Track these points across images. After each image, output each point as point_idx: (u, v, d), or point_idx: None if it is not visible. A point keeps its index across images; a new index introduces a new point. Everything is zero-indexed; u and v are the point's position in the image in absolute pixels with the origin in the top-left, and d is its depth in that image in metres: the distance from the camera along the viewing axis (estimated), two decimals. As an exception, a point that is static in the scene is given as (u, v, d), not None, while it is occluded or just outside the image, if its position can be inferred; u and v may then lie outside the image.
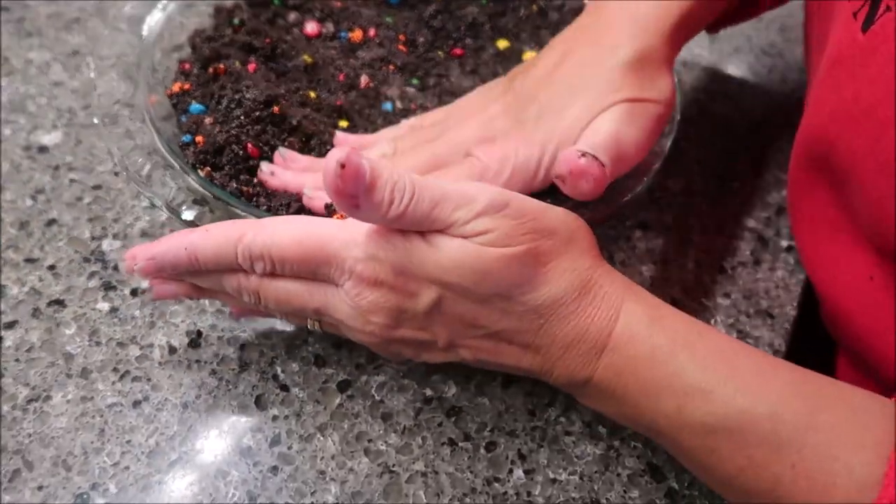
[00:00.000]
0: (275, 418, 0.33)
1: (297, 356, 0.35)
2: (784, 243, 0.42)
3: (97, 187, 0.42)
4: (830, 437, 0.25)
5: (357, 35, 0.44)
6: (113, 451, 0.32)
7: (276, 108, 0.37)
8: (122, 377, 0.34)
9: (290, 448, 0.32)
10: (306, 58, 0.41)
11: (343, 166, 0.24)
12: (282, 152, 0.36)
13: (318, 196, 0.34)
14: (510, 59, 0.45)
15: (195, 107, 0.38)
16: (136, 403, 0.33)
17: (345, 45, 0.44)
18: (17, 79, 0.47)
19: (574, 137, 0.33)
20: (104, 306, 0.37)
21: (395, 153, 0.36)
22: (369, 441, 0.33)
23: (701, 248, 0.41)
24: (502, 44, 0.45)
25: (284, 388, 0.34)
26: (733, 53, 0.53)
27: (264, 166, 0.36)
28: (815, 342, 0.39)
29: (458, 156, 0.35)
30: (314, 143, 0.38)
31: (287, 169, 0.36)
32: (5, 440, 0.32)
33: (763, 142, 0.47)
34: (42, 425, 0.32)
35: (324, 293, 0.29)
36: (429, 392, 0.34)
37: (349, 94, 0.41)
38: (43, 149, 0.43)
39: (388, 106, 0.41)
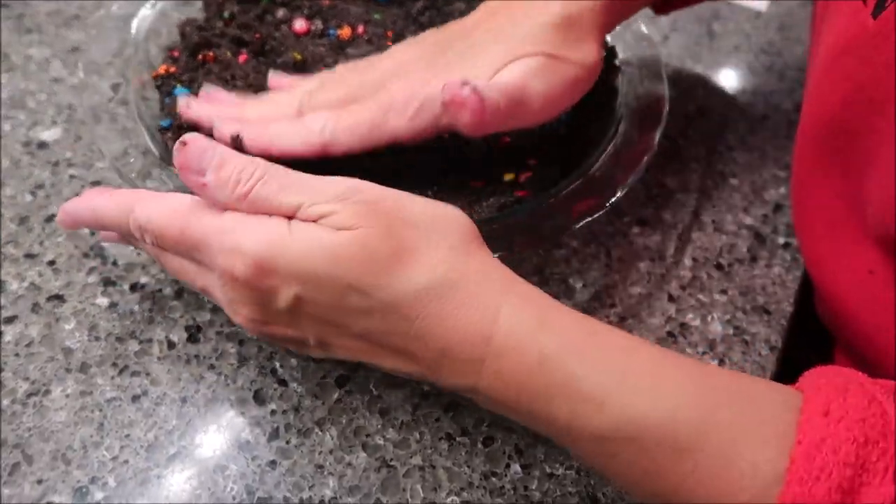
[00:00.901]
0: (273, 413, 0.33)
1: (296, 352, 0.35)
2: (781, 240, 0.42)
3: (97, 183, 0.42)
4: (731, 436, 0.24)
5: (346, 32, 0.44)
6: (112, 445, 0.32)
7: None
8: (121, 372, 0.34)
9: (288, 442, 0.33)
10: (296, 55, 0.41)
11: (185, 143, 0.27)
12: (206, 88, 0.36)
13: (226, 126, 0.34)
14: None
15: (179, 90, 0.38)
16: (135, 398, 0.34)
17: (333, 43, 0.44)
18: (17, 75, 0.47)
19: (485, 78, 0.33)
20: (103, 301, 0.37)
21: (318, 89, 0.36)
22: (367, 436, 0.33)
23: (698, 244, 0.41)
24: None
25: (283, 382, 0.34)
26: (732, 51, 0.54)
27: (181, 99, 0.35)
28: (811, 338, 0.39)
29: (371, 91, 0.34)
30: None
31: (206, 103, 0.36)
32: (5, 434, 0.32)
33: (761, 139, 0.47)
34: (42, 419, 0.33)
35: (202, 276, 0.29)
36: (426, 387, 0.34)
37: None
38: (42, 144, 0.43)
39: None
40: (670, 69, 0.52)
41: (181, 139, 0.27)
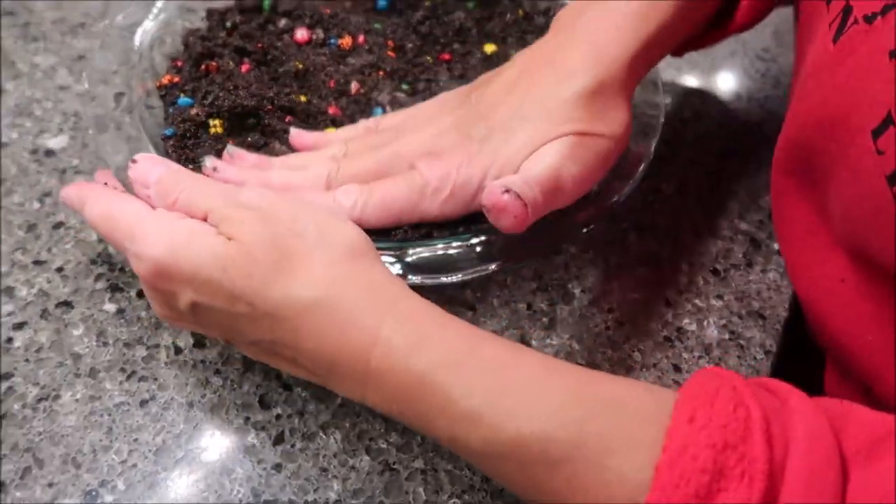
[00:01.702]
0: (278, 417, 0.34)
1: (300, 356, 0.36)
2: (776, 246, 0.43)
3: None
4: (601, 446, 0.24)
5: (346, 42, 0.44)
6: (121, 448, 0.33)
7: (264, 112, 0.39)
8: (129, 377, 0.35)
9: (293, 446, 0.33)
10: (297, 64, 0.42)
11: (135, 161, 0.32)
12: (230, 150, 0.37)
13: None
14: (498, 64, 0.45)
15: (183, 100, 0.39)
16: (143, 403, 0.34)
17: (334, 52, 0.44)
18: (24, 83, 0.48)
19: (516, 164, 0.33)
20: (111, 308, 0.37)
21: (345, 156, 0.36)
22: (370, 439, 0.34)
23: (694, 250, 0.42)
24: (489, 48, 0.46)
25: (287, 387, 0.35)
26: (728, 57, 0.54)
27: (207, 161, 0.36)
28: (806, 342, 0.40)
29: (402, 166, 0.35)
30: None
31: (231, 165, 0.36)
32: (16, 438, 0.33)
33: (756, 145, 0.48)
34: (52, 424, 0.33)
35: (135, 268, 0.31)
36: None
37: (339, 100, 0.42)
38: (49, 152, 0.44)
39: (378, 111, 0.42)
40: (667, 75, 0.52)
41: (133, 157, 0.32)
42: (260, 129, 0.39)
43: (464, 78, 0.45)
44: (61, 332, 0.36)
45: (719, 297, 0.40)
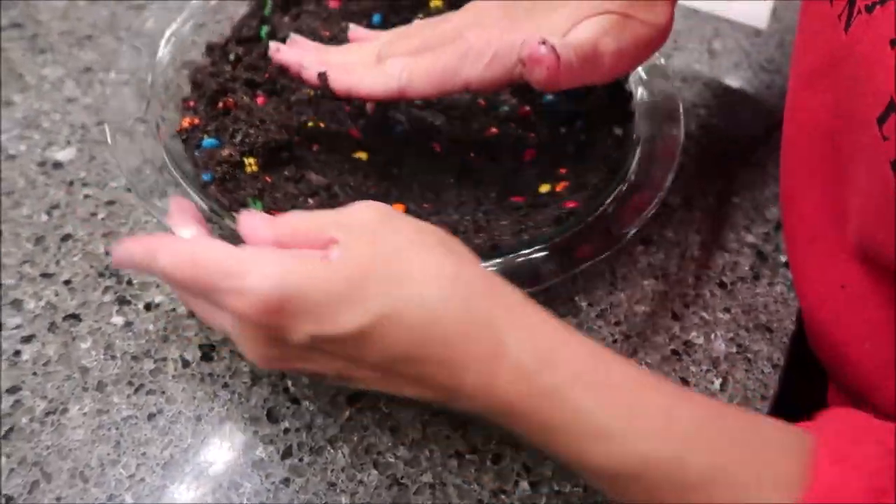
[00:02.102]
0: (286, 431, 0.34)
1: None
2: (783, 259, 0.43)
3: (111, 202, 0.42)
4: (739, 478, 0.24)
5: None
6: (129, 463, 0.33)
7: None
8: (136, 390, 0.35)
9: (301, 460, 0.33)
10: (309, 91, 0.42)
11: (241, 215, 0.30)
12: (293, 37, 0.39)
13: (313, 66, 0.37)
14: None
15: (208, 141, 0.38)
16: (151, 416, 0.34)
17: None
18: (32, 95, 0.48)
19: (560, 33, 0.35)
20: (118, 320, 0.38)
21: (397, 38, 0.38)
22: (378, 453, 0.34)
23: (701, 263, 0.42)
24: None
25: (295, 401, 0.35)
26: (732, 69, 0.54)
27: (272, 44, 0.39)
28: (813, 356, 0.40)
29: (449, 40, 0.36)
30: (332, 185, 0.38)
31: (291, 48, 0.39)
32: (24, 452, 0.33)
33: (762, 157, 0.48)
34: (60, 437, 0.33)
35: (219, 317, 0.29)
36: (435, 405, 0.35)
37: (358, 121, 0.42)
38: (57, 164, 0.44)
39: (399, 129, 0.42)
40: (672, 86, 0.53)
41: (242, 213, 0.30)
42: (293, 161, 0.39)
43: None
44: (69, 346, 0.36)
45: (726, 310, 0.40)
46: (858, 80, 0.29)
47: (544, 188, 0.39)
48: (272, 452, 0.33)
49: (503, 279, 0.28)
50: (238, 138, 0.38)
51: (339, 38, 0.45)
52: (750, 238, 0.44)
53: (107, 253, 0.40)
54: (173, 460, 0.33)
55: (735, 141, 0.49)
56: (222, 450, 0.33)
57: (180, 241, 0.30)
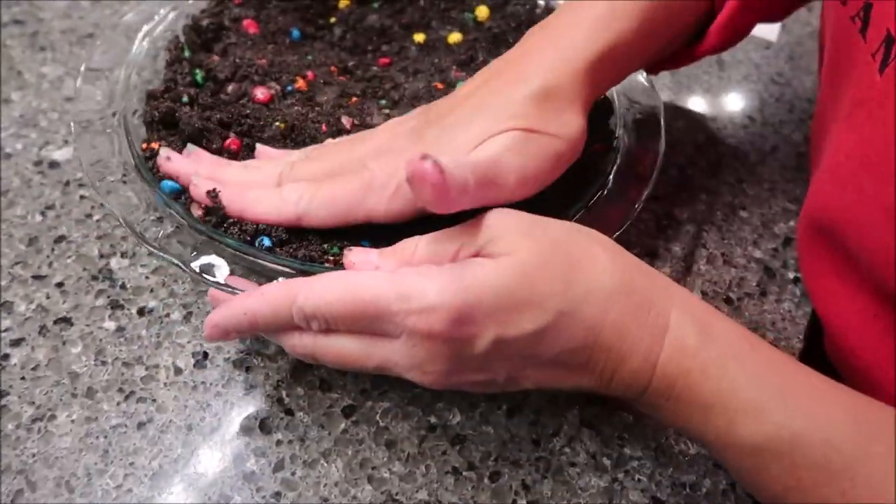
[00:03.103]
0: (279, 443, 0.33)
1: (303, 380, 0.35)
2: (791, 275, 0.42)
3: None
4: (885, 468, 0.25)
5: (302, 83, 0.42)
6: (116, 473, 0.32)
7: None
8: (127, 398, 0.34)
9: (293, 474, 0.32)
10: (279, 124, 0.39)
11: (350, 250, 0.31)
12: (189, 148, 0.36)
13: (203, 184, 0.34)
14: (437, 49, 0.45)
15: (168, 184, 0.35)
16: (141, 425, 0.33)
17: (302, 97, 0.41)
18: (30, 93, 0.47)
19: (463, 154, 0.32)
20: (111, 325, 0.37)
21: (301, 161, 0.35)
22: (373, 468, 0.33)
23: (707, 278, 0.41)
24: (419, 37, 0.45)
25: (289, 412, 0.34)
26: (742, 81, 0.54)
27: (163, 151, 0.35)
28: (820, 373, 0.39)
29: (354, 167, 0.34)
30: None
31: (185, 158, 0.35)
32: (9, 459, 0.32)
33: (771, 171, 0.47)
34: (46, 445, 0.32)
35: (380, 349, 0.28)
36: (433, 419, 0.34)
37: (338, 138, 0.39)
38: (54, 164, 0.43)
39: None
40: (679, 100, 0.52)
41: (350, 250, 0.31)
42: None
43: (418, 73, 0.43)
44: (59, 350, 0.36)
45: (733, 326, 0.39)
46: (889, 125, 0.28)
47: None
48: (264, 465, 0.32)
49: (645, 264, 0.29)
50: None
51: (275, 64, 0.42)
52: (757, 253, 0.43)
53: (101, 256, 0.39)
54: (162, 471, 0.32)
55: (743, 154, 0.48)
56: (213, 461, 0.32)
57: (323, 277, 0.29)
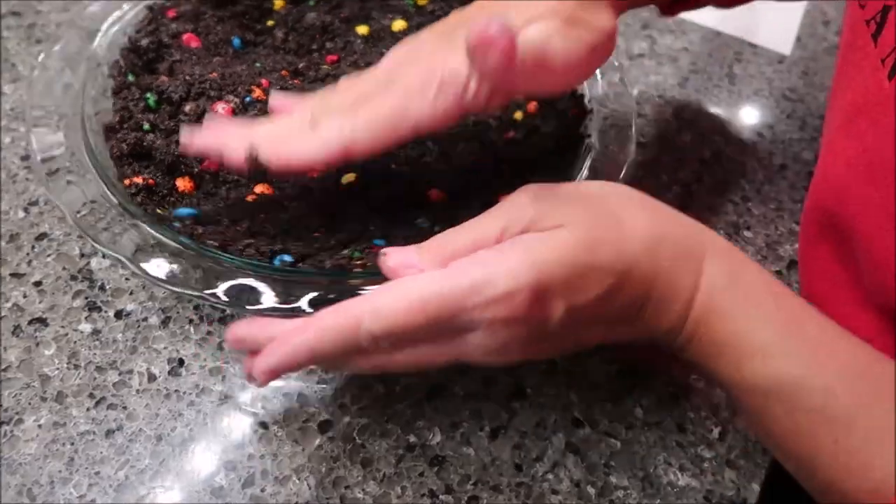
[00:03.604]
0: (250, 457, 0.32)
1: (280, 392, 0.34)
2: (794, 300, 0.40)
3: (92, 202, 0.40)
4: (883, 424, 0.25)
5: (259, 93, 0.40)
6: (80, 482, 0.31)
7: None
8: (97, 403, 0.33)
9: (263, 490, 0.31)
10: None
11: (385, 254, 0.28)
12: (209, 119, 0.34)
13: (237, 148, 0.31)
14: (383, 38, 0.44)
15: (183, 210, 0.34)
16: (110, 433, 0.32)
17: (262, 107, 0.39)
18: (23, 86, 0.47)
19: None
20: (86, 328, 0.36)
21: (329, 96, 0.33)
22: (346, 487, 0.31)
23: (707, 299, 0.40)
24: (362, 30, 0.44)
25: (263, 425, 0.33)
26: (752, 96, 0.52)
27: (184, 131, 0.32)
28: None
29: (381, 87, 0.31)
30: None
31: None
32: (-28, 464, 0.31)
33: (778, 191, 0.46)
34: (10, 450, 0.31)
35: (457, 345, 0.27)
36: (412, 438, 0.33)
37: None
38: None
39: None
40: (689, 112, 0.50)
41: (387, 251, 0.28)
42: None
43: (370, 65, 0.42)
44: (32, 351, 0.35)
45: (731, 352, 0.38)
46: (892, 132, 0.27)
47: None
48: (233, 480, 0.31)
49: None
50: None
51: (226, 76, 0.40)
52: (760, 276, 0.41)
53: (82, 255, 0.38)
54: (128, 482, 0.31)
55: (750, 171, 0.47)
56: (181, 474, 0.31)
57: (380, 293, 0.27)
